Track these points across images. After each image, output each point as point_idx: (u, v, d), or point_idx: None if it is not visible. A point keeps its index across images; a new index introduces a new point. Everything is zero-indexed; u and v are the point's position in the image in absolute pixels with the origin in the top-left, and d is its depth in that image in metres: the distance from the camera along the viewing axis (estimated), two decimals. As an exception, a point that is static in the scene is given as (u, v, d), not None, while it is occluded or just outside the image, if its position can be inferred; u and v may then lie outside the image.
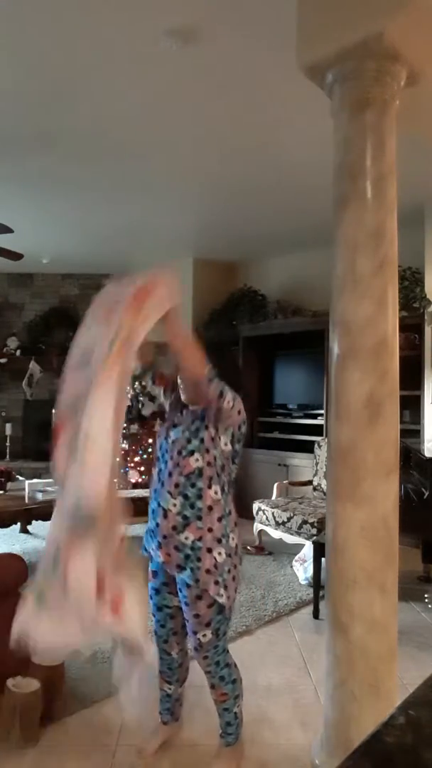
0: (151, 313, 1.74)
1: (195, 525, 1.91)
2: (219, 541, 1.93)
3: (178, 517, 1.93)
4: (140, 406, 5.81)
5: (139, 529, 5.57)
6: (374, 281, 1.99)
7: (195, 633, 1.96)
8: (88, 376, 1.66)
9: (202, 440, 1.94)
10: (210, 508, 1.92)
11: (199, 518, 1.91)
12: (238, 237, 6.11)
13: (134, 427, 5.74)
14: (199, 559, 1.90)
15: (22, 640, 1.57)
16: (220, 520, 1.93)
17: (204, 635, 1.94)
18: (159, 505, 1.99)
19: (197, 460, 1.92)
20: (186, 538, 1.91)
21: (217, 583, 1.91)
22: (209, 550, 1.91)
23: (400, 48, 1.98)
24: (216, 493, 1.93)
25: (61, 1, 2.45)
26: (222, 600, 1.91)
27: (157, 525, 1.98)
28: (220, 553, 1.92)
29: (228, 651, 2.05)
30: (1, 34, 2.69)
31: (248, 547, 4.63)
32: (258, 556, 4.64)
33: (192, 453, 1.93)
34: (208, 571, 1.90)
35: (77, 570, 1.55)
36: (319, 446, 5.07)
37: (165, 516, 1.95)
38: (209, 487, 1.92)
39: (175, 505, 1.93)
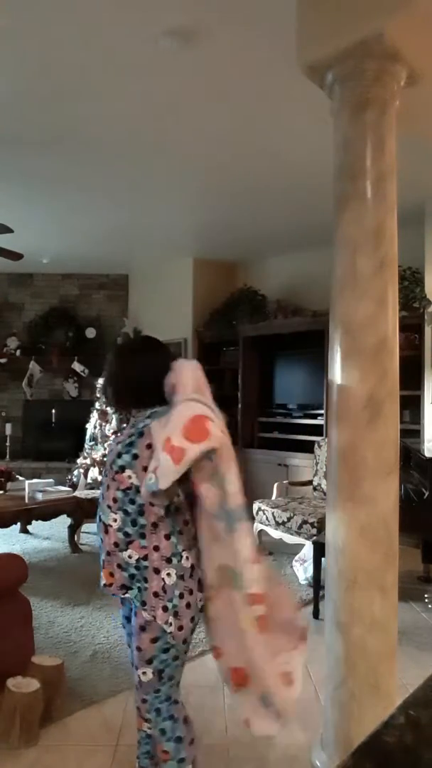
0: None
1: (138, 543, 1.69)
2: (168, 560, 1.68)
3: (119, 533, 1.70)
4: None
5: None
6: (374, 281, 1.99)
7: (136, 668, 1.73)
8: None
9: (135, 456, 1.67)
10: (155, 525, 1.68)
11: (143, 536, 1.68)
12: (238, 237, 6.12)
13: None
14: (145, 580, 1.67)
15: None
16: (168, 537, 1.69)
17: (144, 673, 1.70)
18: (100, 519, 1.77)
19: (130, 477, 1.68)
20: (129, 557, 1.69)
21: (165, 609, 1.65)
22: (156, 571, 1.67)
23: (400, 48, 1.98)
24: (161, 509, 1.68)
25: (61, 2, 2.45)
26: (170, 629, 1.65)
27: (102, 541, 1.77)
28: (169, 574, 1.67)
29: (176, 702, 1.76)
30: (1, 35, 2.69)
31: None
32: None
33: (123, 469, 1.69)
34: (155, 594, 1.66)
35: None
36: (319, 446, 5.07)
37: (106, 531, 1.73)
38: (151, 504, 1.67)
39: (115, 520, 1.71)
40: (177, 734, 1.74)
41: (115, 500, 1.71)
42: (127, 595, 1.71)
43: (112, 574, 1.73)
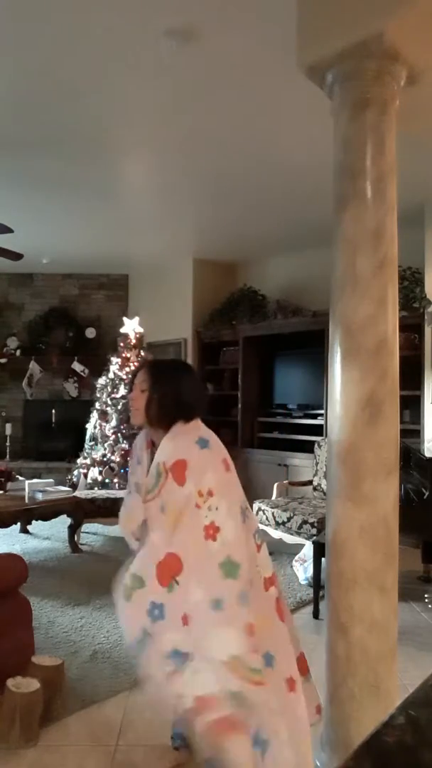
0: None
1: None
2: None
3: None
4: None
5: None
6: (374, 281, 1.99)
7: None
8: None
9: None
10: None
11: None
12: (238, 237, 6.12)
13: (134, 427, 5.74)
14: None
15: None
16: None
17: None
18: None
19: None
20: None
21: None
22: None
23: (400, 48, 1.98)
24: None
25: (61, 2, 2.45)
26: None
27: None
28: None
29: None
30: (0, 35, 2.69)
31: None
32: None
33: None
34: None
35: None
36: (319, 446, 5.07)
37: None
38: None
39: None
40: None
41: None
42: None
43: None
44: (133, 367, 5.97)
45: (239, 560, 1.69)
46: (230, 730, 1.59)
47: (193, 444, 1.80)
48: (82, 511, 4.67)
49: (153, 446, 1.90)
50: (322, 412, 5.70)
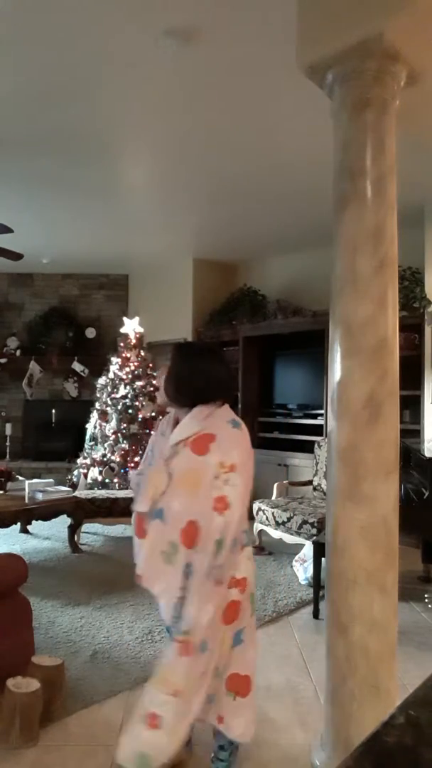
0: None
1: None
2: None
3: None
4: (140, 406, 5.81)
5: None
6: (374, 281, 1.99)
7: None
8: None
9: None
10: None
11: None
12: (238, 237, 6.12)
13: (134, 427, 5.74)
14: None
15: None
16: None
17: None
18: None
19: None
20: None
21: None
22: None
23: (400, 48, 1.98)
24: None
25: (61, 2, 2.45)
26: None
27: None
28: None
29: None
30: (0, 35, 2.69)
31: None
32: (258, 556, 4.64)
33: None
34: None
35: None
36: (319, 446, 5.07)
37: None
38: None
39: None
40: None
41: None
42: None
43: None
44: (133, 367, 5.98)
45: (228, 543, 1.74)
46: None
47: (225, 423, 1.85)
48: (82, 511, 4.67)
49: (176, 425, 1.93)
50: (322, 412, 5.70)
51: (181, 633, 1.72)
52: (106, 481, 5.57)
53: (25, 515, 4.44)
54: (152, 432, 5.58)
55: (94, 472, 5.68)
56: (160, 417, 5.81)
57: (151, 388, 5.95)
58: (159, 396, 1.95)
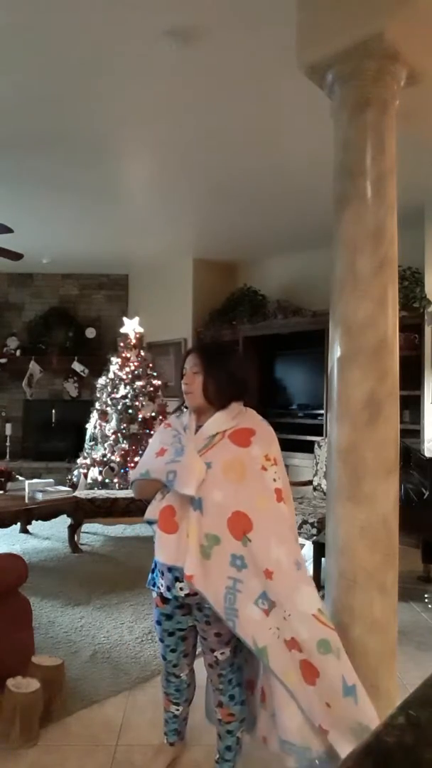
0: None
1: None
2: None
3: None
4: (140, 406, 5.81)
5: (138, 529, 5.49)
6: (374, 281, 1.99)
7: (213, 651, 1.87)
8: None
9: None
10: None
11: None
12: (238, 237, 6.12)
13: (134, 427, 5.74)
14: None
15: None
16: None
17: (222, 653, 1.86)
18: None
19: None
20: None
21: None
22: None
23: (400, 48, 1.98)
24: None
25: (61, 2, 2.45)
26: None
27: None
28: None
29: (242, 669, 1.95)
30: (0, 36, 2.69)
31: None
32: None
33: None
34: None
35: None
36: (319, 446, 5.07)
37: None
38: None
39: None
40: (242, 698, 1.94)
41: None
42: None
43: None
44: (133, 367, 5.98)
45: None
46: (317, 674, 1.69)
47: (260, 420, 1.92)
48: (82, 511, 4.67)
49: (199, 421, 1.92)
50: (322, 412, 5.70)
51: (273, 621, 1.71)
52: (106, 481, 5.57)
53: (25, 515, 4.43)
54: (152, 432, 5.65)
55: (94, 472, 5.67)
56: (161, 417, 5.82)
57: (151, 388, 5.95)
58: (192, 399, 1.89)
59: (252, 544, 1.71)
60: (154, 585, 1.93)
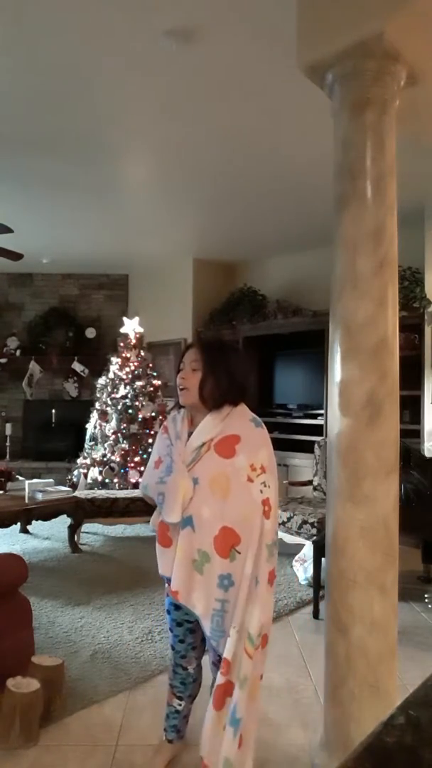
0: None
1: None
2: None
3: None
4: (140, 406, 5.81)
5: (138, 529, 5.49)
6: (374, 281, 1.99)
7: (216, 649, 1.83)
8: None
9: None
10: None
11: None
12: (238, 237, 6.12)
13: (134, 427, 5.74)
14: None
15: None
16: None
17: None
18: None
19: None
20: None
21: None
22: None
23: (400, 48, 1.98)
24: None
25: (61, 2, 2.45)
26: None
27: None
28: None
29: None
30: (0, 35, 2.69)
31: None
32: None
33: None
34: None
35: None
36: (319, 446, 5.07)
37: None
38: None
39: None
40: None
41: None
42: None
43: None
44: (133, 367, 5.98)
45: (276, 542, 1.79)
46: (230, 693, 1.71)
47: (247, 422, 1.84)
48: (82, 511, 4.68)
49: (192, 425, 1.89)
50: (322, 412, 5.70)
51: (246, 642, 1.71)
52: (106, 481, 5.57)
53: (25, 515, 4.43)
54: (152, 432, 5.66)
55: (94, 472, 5.67)
56: (161, 417, 5.82)
57: (151, 388, 5.95)
58: (186, 396, 1.86)
59: (240, 557, 1.72)
60: None
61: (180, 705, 2.07)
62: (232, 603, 1.72)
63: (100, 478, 5.61)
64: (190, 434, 1.87)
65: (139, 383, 5.90)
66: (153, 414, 5.83)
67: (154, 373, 6.09)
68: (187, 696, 2.08)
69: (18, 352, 7.63)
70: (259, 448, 1.80)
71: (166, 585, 1.94)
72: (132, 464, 5.61)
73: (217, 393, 1.83)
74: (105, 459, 5.70)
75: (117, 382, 5.96)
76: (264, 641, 1.78)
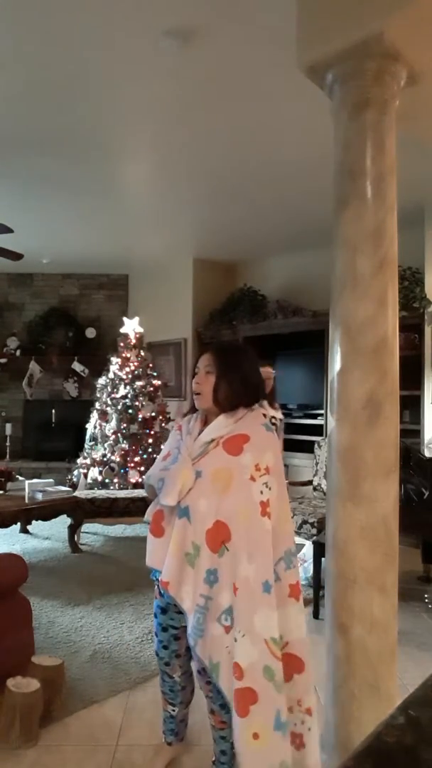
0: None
1: None
2: None
3: None
4: (140, 406, 5.81)
5: (138, 529, 5.49)
6: (374, 281, 1.98)
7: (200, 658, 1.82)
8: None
9: None
10: None
11: None
12: (238, 237, 6.12)
13: (134, 427, 5.74)
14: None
15: None
16: None
17: None
18: None
19: None
20: None
21: None
22: None
23: (400, 48, 1.98)
24: None
25: (61, 2, 2.45)
26: None
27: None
28: None
29: None
30: (1, 35, 2.69)
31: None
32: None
33: None
34: None
35: None
36: (319, 446, 5.07)
37: None
38: None
39: None
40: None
41: None
42: None
43: None
44: (133, 367, 5.98)
45: (293, 551, 1.80)
46: (255, 699, 1.68)
47: (259, 425, 1.85)
48: (82, 511, 4.68)
49: (205, 425, 1.90)
50: (322, 412, 5.70)
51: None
52: (106, 481, 5.57)
53: (25, 515, 4.43)
54: (152, 432, 5.66)
55: (94, 472, 5.67)
56: (160, 417, 5.82)
57: (151, 388, 5.95)
58: (201, 400, 1.87)
59: (228, 554, 1.72)
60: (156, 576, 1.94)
61: (174, 710, 2.07)
62: (215, 600, 1.71)
63: (100, 478, 5.61)
64: (201, 432, 1.89)
65: (139, 383, 5.90)
66: (153, 414, 5.83)
67: (154, 373, 6.09)
68: (179, 702, 2.07)
69: (18, 352, 7.63)
70: (266, 449, 1.81)
71: (156, 587, 1.93)
72: (132, 464, 5.61)
73: (231, 396, 1.85)
74: (105, 459, 5.70)
75: (117, 382, 5.96)
76: (299, 665, 1.78)
